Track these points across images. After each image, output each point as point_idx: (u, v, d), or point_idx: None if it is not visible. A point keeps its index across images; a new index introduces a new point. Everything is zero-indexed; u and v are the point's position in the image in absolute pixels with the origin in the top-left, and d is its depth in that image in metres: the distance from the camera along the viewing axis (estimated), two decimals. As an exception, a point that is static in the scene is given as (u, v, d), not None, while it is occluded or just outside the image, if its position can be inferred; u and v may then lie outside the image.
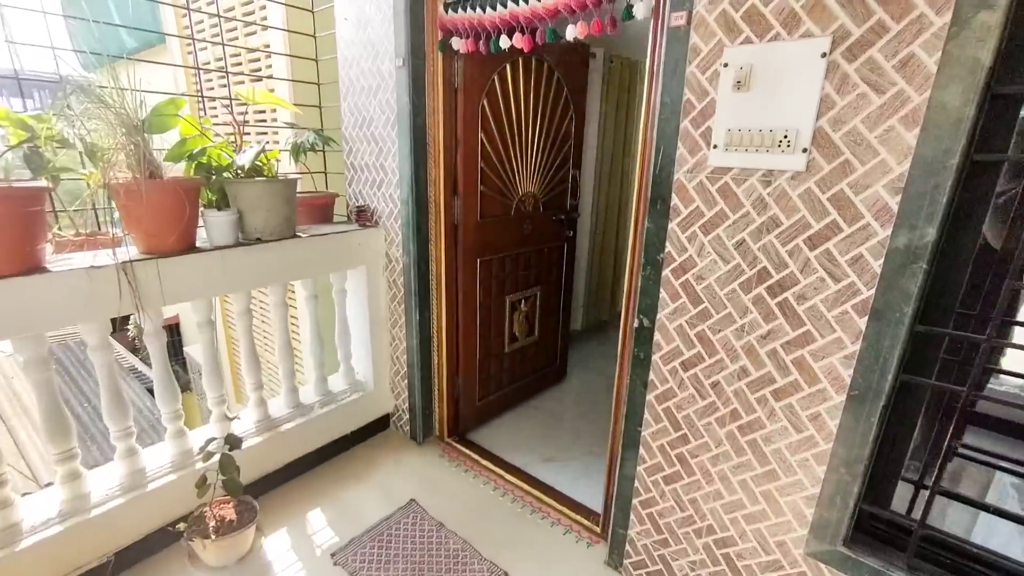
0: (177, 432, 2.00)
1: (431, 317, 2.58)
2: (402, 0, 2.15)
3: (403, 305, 2.57)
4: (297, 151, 2.43)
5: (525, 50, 1.91)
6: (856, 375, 1.26)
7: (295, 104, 2.43)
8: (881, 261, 1.18)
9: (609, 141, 4.00)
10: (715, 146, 1.39)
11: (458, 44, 2.14)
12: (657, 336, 1.65)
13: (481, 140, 2.47)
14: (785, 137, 1.27)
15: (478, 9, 2.00)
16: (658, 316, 1.63)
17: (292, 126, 2.64)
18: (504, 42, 1.94)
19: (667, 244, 1.55)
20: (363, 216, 2.53)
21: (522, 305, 2.97)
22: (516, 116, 2.61)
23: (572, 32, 1.74)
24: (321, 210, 2.59)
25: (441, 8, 2.15)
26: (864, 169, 1.17)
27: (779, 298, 1.36)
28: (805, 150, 1.25)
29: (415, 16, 2.19)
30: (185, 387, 8.59)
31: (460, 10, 2.07)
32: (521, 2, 1.84)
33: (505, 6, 1.90)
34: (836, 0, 1.15)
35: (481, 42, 2.05)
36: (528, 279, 2.96)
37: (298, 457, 2.41)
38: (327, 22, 2.62)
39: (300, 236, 2.21)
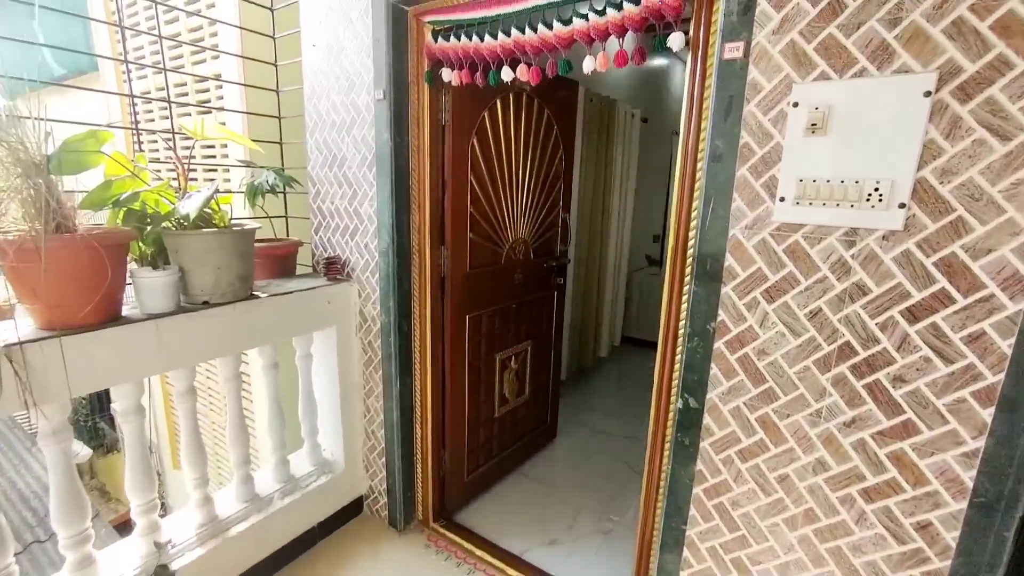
0: (81, 562, 1.52)
1: (413, 384, 2.22)
2: (383, 26, 1.88)
3: (380, 371, 2.20)
4: (254, 193, 2.07)
5: (532, 83, 1.66)
6: (981, 478, 1.02)
7: (251, 140, 2.08)
8: (1012, 340, 0.96)
9: (589, 182, 3.83)
10: (782, 199, 1.17)
11: (449, 76, 1.87)
12: (707, 419, 1.37)
13: (470, 182, 2.20)
14: (876, 190, 1.05)
15: (474, 37, 1.75)
16: (708, 396, 1.36)
17: (248, 165, 2.28)
18: (506, 74, 1.69)
19: (720, 312, 1.30)
20: (333, 269, 2.17)
21: (512, 362, 2.65)
22: (507, 156, 2.36)
23: (590, 65, 1.51)
24: (282, 261, 2.21)
25: (429, 36, 1.89)
26: (985, 229, 0.97)
27: (868, 379, 1.12)
28: (902, 205, 1.03)
29: (398, 44, 1.92)
30: (112, 447, 7.59)
31: (453, 38, 1.81)
32: (528, 30, 1.61)
33: (509, 34, 1.66)
34: (942, 31, 0.96)
35: (478, 74, 1.79)
36: (519, 333, 2.66)
37: (254, 564, 1.94)
38: (291, 49, 2.31)
39: (258, 295, 1.83)
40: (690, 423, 1.40)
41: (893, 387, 1.10)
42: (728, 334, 1.30)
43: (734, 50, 1.17)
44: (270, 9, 2.39)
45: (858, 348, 1.12)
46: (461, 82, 1.85)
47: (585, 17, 1.48)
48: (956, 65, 0.95)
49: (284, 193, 2.45)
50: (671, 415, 1.47)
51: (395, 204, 2.01)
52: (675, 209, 1.45)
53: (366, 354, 2.24)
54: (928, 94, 0.98)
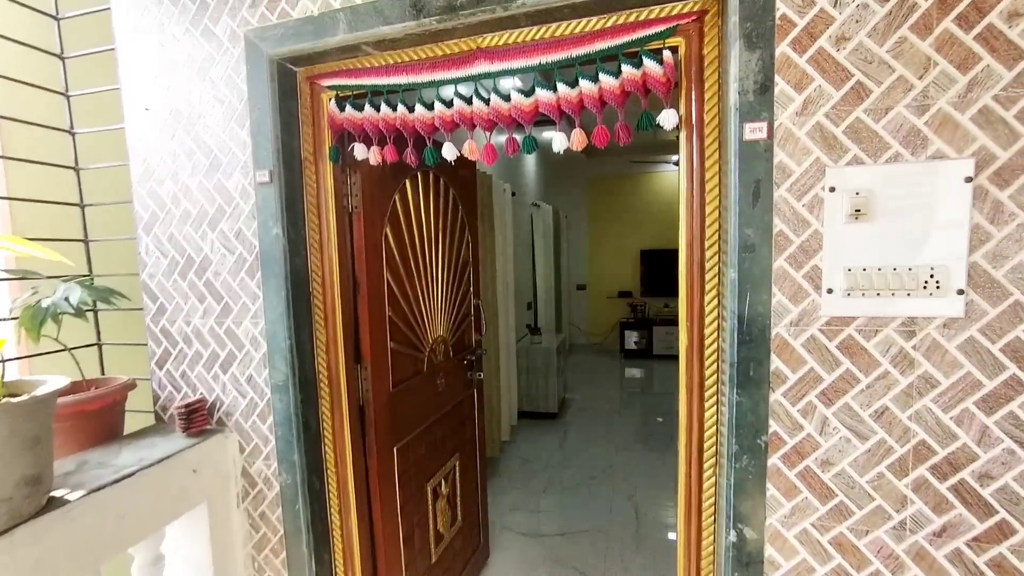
0: None
1: (334, 563, 1.58)
2: (266, 90, 1.42)
3: (284, 553, 1.53)
4: (39, 321, 1.34)
5: (487, 164, 1.36)
6: (1091, 576, 0.95)
7: (28, 239, 1.35)
8: (1094, 425, 0.93)
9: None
10: (829, 291, 1.04)
11: (363, 153, 1.47)
12: (769, 551, 1.13)
13: (387, 279, 1.76)
14: (932, 276, 0.98)
15: (400, 107, 1.40)
16: (768, 522, 1.13)
17: (24, 276, 1.49)
18: (450, 152, 1.37)
19: (771, 422, 1.10)
20: (197, 419, 1.48)
21: (443, 487, 2.14)
22: (420, 243, 1.98)
23: (561, 143, 1.28)
24: (101, 419, 1.45)
25: (333, 105, 1.48)
26: (1047, 313, 0.94)
27: (952, 480, 1.01)
28: (960, 292, 0.97)
29: (287, 113, 1.46)
30: None
31: (369, 107, 1.43)
32: (478, 100, 1.32)
33: (450, 104, 1.35)
34: (971, 119, 0.94)
35: (408, 151, 1.43)
36: (446, 449, 2.18)
37: None
38: (108, 112, 1.65)
39: (65, 498, 1.10)
40: (747, 559, 1.15)
41: (980, 485, 0.99)
42: (783, 447, 1.10)
43: (757, 131, 1.05)
44: (60, 57, 1.70)
45: (935, 446, 1.01)
46: (382, 160, 1.46)
47: (552, 88, 1.27)
48: (989, 152, 0.94)
49: (95, 311, 1.68)
50: (718, 554, 1.20)
51: (293, 319, 1.47)
52: (684, 306, 1.25)
53: (256, 533, 1.55)
54: (969, 179, 0.95)
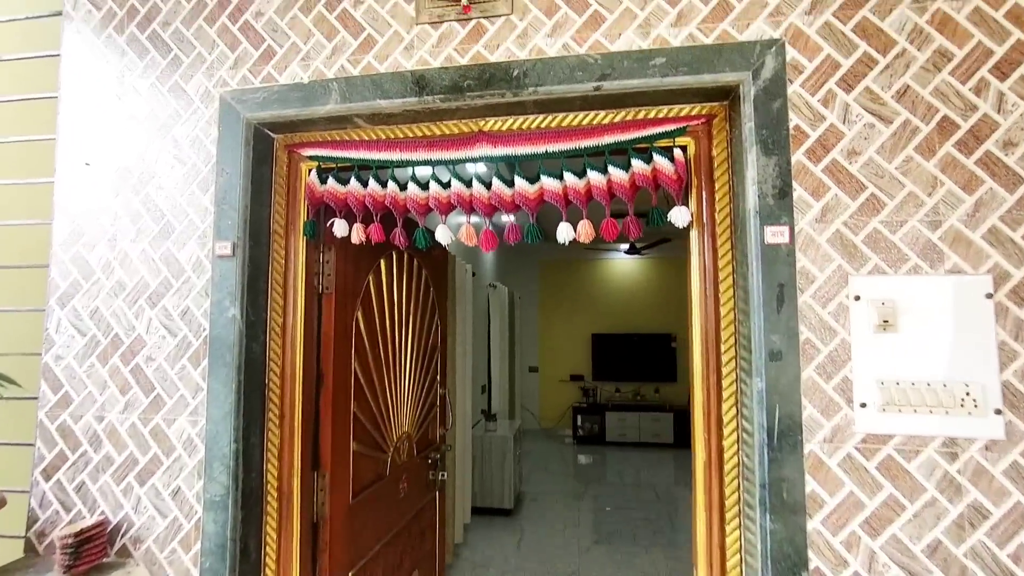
0: None
1: None
2: (238, 154, 1.27)
3: None
4: None
5: (485, 250, 1.26)
6: None
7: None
8: None
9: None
10: (863, 405, 0.97)
11: (343, 230, 1.33)
12: None
13: (354, 370, 1.54)
14: (967, 394, 0.93)
15: (391, 184, 1.29)
16: None
17: None
18: (444, 235, 1.25)
19: (810, 554, 0.97)
20: (90, 550, 1.14)
21: (397, 616, 1.79)
22: (391, 328, 1.79)
23: (567, 234, 1.20)
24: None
25: (314, 176, 1.34)
26: (1085, 436, 0.90)
27: (1010, 625, 0.90)
28: (998, 412, 0.92)
29: (260, 180, 1.31)
30: None
31: (355, 181, 1.31)
32: (478, 183, 1.23)
33: (447, 185, 1.26)
34: (983, 238, 0.95)
35: (398, 231, 1.30)
36: (404, 568, 1.85)
37: None
38: (30, 165, 1.42)
39: None
40: None
41: (1042, 632, 0.89)
42: (827, 586, 0.96)
43: (778, 235, 1.01)
44: (-3, 108, 1.48)
45: (989, 586, 0.91)
46: (365, 239, 1.32)
47: (558, 176, 1.21)
48: (1004, 270, 0.94)
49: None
50: None
51: (242, 417, 1.22)
52: (699, 417, 1.14)
53: None
54: (989, 296, 0.94)
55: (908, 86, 1.00)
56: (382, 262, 1.73)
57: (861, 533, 0.95)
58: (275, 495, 1.29)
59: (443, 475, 2.21)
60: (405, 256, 1.91)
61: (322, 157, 1.35)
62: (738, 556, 1.08)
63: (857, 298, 0.98)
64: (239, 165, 1.27)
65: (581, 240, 1.20)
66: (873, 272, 0.98)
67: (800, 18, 1.05)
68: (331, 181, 1.33)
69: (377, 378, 1.68)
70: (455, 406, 3.64)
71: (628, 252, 5.65)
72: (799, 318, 1.00)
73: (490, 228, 1.24)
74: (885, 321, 0.96)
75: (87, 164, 1.35)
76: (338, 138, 1.35)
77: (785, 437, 0.99)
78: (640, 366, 6.64)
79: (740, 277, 1.10)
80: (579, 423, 6.41)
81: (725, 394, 1.11)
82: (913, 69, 1.00)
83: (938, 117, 0.98)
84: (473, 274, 4.47)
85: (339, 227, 1.33)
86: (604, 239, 1.20)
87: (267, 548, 1.27)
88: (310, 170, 1.37)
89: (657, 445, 6.23)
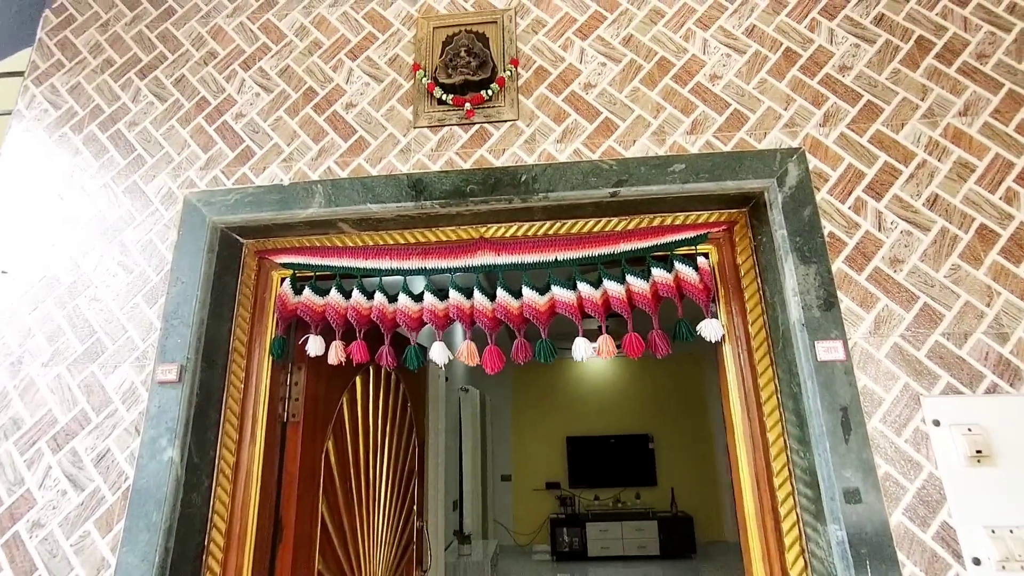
0: None
1: None
2: (200, 255, 1.08)
3: None
4: None
5: (490, 371, 1.06)
6: None
7: None
8: None
9: (407, 453, 3.02)
10: (976, 561, 0.78)
11: (320, 348, 1.11)
12: None
13: (321, 516, 1.23)
14: (1091, 542, 0.76)
15: (378, 295, 1.11)
16: None
17: None
18: (440, 354, 1.05)
19: None
20: None
21: None
22: (365, 457, 1.50)
23: (585, 350, 1.03)
24: None
25: (287, 287, 1.15)
26: None
27: None
28: None
29: (222, 289, 1.11)
30: None
31: (338, 293, 1.12)
32: (479, 294, 1.07)
33: (443, 296, 1.09)
34: (1055, 350, 0.85)
35: (385, 350, 1.09)
36: None
37: None
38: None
39: None
40: None
41: None
42: None
43: (832, 350, 0.88)
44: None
45: None
46: (346, 360, 1.10)
47: (571, 287, 1.06)
48: (1086, 387, 0.83)
49: None
50: None
51: (166, 604, 0.89)
52: (760, 572, 0.92)
53: None
54: (1081, 418, 0.81)
55: (937, 195, 0.95)
56: (358, 380, 1.49)
57: None
58: None
59: (419, 636, 1.78)
60: (382, 370, 1.68)
61: (298, 265, 1.17)
62: None
63: (936, 423, 0.83)
64: (199, 273, 1.07)
65: (601, 356, 1.03)
66: (947, 392, 0.85)
67: (815, 129, 1.01)
68: (307, 292, 1.14)
69: (348, 523, 1.36)
70: (429, 527, 3.16)
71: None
72: (872, 448, 0.84)
73: (495, 345, 1.06)
74: (978, 451, 0.81)
75: (4, 272, 1.11)
76: (319, 244, 1.18)
77: (885, 608, 0.77)
78: (618, 470, 6.23)
79: (788, 399, 0.94)
80: (559, 537, 5.79)
81: (787, 540, 0.90)
82: (938, 179, 0.96)
83: (976, 225, 0.92)
84: (446, 379, 4.19)
85: (314, 345, 1.11)
86: (627, 355, 1.03)
87: None
88: (283, 279, 1.18)
89: (644, 558, 5.65)
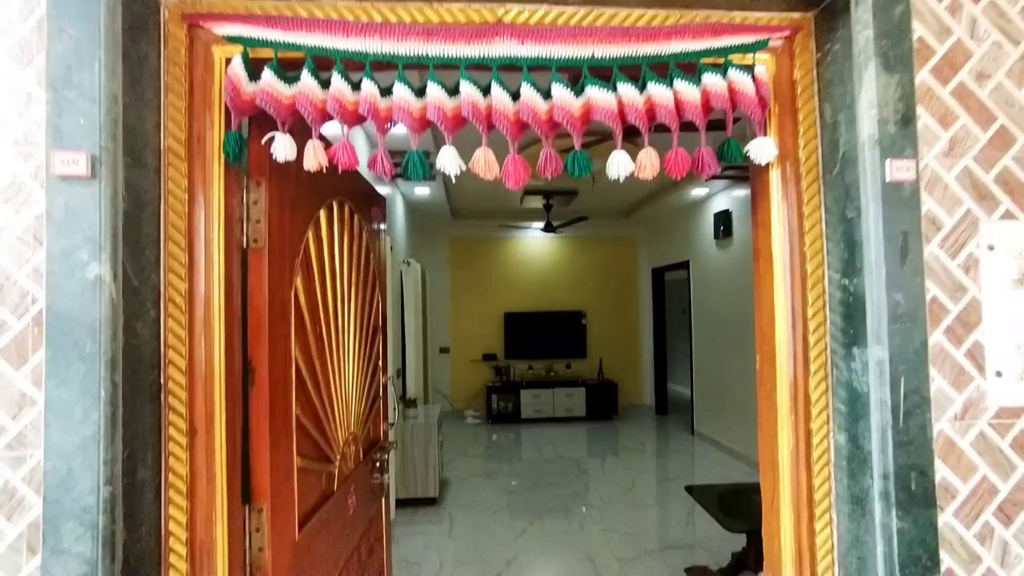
0: None
1: None
2: (96, 21, 0.73)
3: None
4: None
5: (514, 186, 0.87)
6: None
7: None
8: None
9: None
10: (998, 374, 0.79)
11: (290, 150, 0.85)
12: None
13: (295, 359, 1.06)
14: (1098, 357, 0.80)
15: (366, 86, 0.84)
16: None
17: None
18: (450, 160, 0.84)
19: (941, 553, 0.78)
20: None
21: (348, 669, 1.36)
22: (333, 303, 1.32)
23: (622, 166, 0.87)
24: None
25: (238, 67, 0.84)
26: None
27: None
28: (1122, 374, 0.80)
29: (137, 60, 0.78)
30: None
31: (311, 79, 0.83)
32: (498, 88, 0.84)
33: (454, 90, 0.85)
34: (1106, 179, 0.82)
35: (380, 155, 0.85)
36: (353, 604, 1.42)
37: None
38: None
39: None
40: None
41: None
42: (958, 589, 0.78)
43: (904, 170, 0.79)
44: None
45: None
46: (327, 164, 0.86)
47: (611, 88, 0.87)
48: (1123, 216, 0.82)
49: None
50: None
51: (120, 443, 0.72)
52: (785, 396, 0.90)
53: None
54: (1114, 245, 0.81)
55: (1035, 0, 0.83)
56: (322, 214, 1.25)
57: (995, 523, 0.79)
58: (184, 554, 0.80)
59: (388, 478, 1.78)
60: (347, 209, 1.43)
61: (252, 40, 0.85)
62: (830, 558, 0.87)
63: (991, 248, 0.80)
64: (96, 25, 0.73)
65: (641, 175, 0.88)
66: (1006, 218, 0.81)
67: (921, -96, 0.82)
68: (269, 76, 0.84)
69: (320, 368, 1.21)
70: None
71: (544, 230, 5.48)
72: (926, 272, 0.79)
73: (518, 155, 0.86)
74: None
75: None
76: (276, 12, 0.86)
77: (912, 416, 0.78)
78: (552, 343, 6.58)
79: (837, 225, 0.86)
80: (494, 402, 6.18)
81: (813, 367, 0.89)
82: (1039, -18, 0.83)
83: (1065, 40, 0.82)
84: (391, 248, 3.95)
85: (282, 146, 0.85)
86: (670, 175, 0.89)
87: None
88: (229, 59, 0.86)
89: (571, 419, 6.25)
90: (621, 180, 0.88)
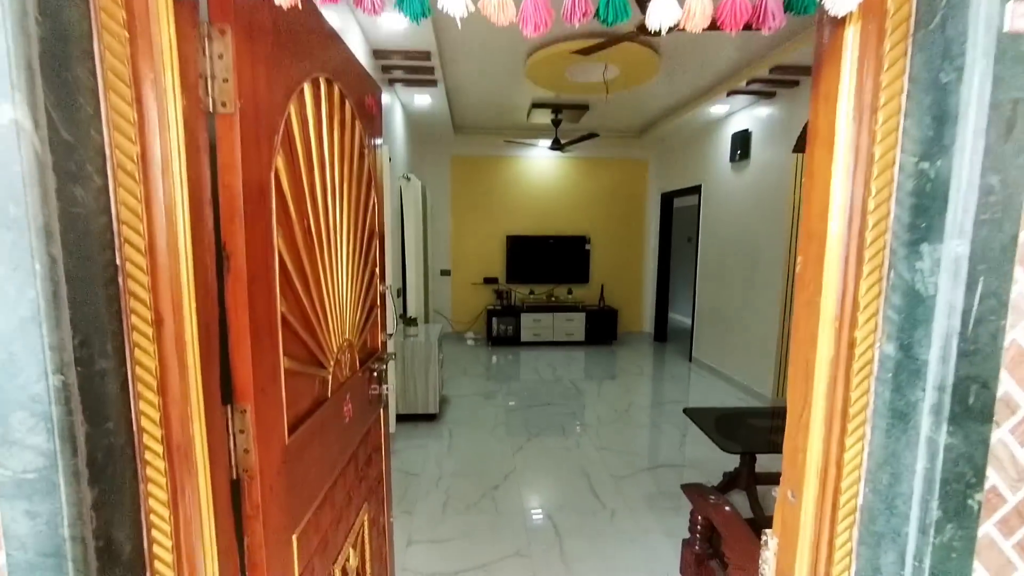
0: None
1: None
2: None
3: None
4: None
5: (528, 33, 0.70)
6: None
7: None
8: None
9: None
10: (1092, 275, 0.68)
11: (252, -22, 0.67)
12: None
13: (277, 248, 0.95)
14: None
15: None
16: (966, 616, 0.74)
17: None
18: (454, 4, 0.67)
19: (988, 470, 0.71)
20: None
21: (351, 559, 1.39)
22: (324, 193, 1.18)
23: (666, 12, 0.70)
24: None
25: None
26: None
27: None
28: None
29: None
30: None
31: None
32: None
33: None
34: None
35: (366, -15, 0.68)
36: (354, 505, 1.42)
37: None
38: None
39: None
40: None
41: None
42: (1001, 508, 0.72)
43: (1028, 16, 0.62)
44: None
45: None
46: (307, 22, 0.69)
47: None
48: None
49: None
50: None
51: (70, 326, 0.62)
52: (831, 300, 0.80)
53: None
54: None
55: None
56: (306, 89, 1.07)
57: (1051, 441, 0.71)
58: (160, 452, 0.73)
59: (387, 388, 1.75)
60: (336, 91, 1.25)
61: None
62: (857, 474, 0.81)
63: (1111, 123, 0.65)
64: None
65: (689, 26, 0.71)
66: None
67: None
68: None
69: (310, 265, 1.10)
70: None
71: (552, 147, 5.18)
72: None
73: (538, -6, 0.68)
74: None
75: None
76: None
77: (984, 323, 0.68)
78: (554, 268, 6.50)
79: (923, 95, 0.71)
80: (494, 325, 6.22)
81: (866, 269, 0.77)
82: None
83: None
84: (389, 159, 3.73)
85: (242, -31, 0.67)
86: (721, 28, 0.72)
87: (153, 533, 0.74)
88: None
89: (570, 344, 6.32)
90: (663, 32, 0.71)
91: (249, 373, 0.83)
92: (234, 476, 0.84)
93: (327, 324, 1.20)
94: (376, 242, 1.65)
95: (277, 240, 0.94)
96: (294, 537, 0.99)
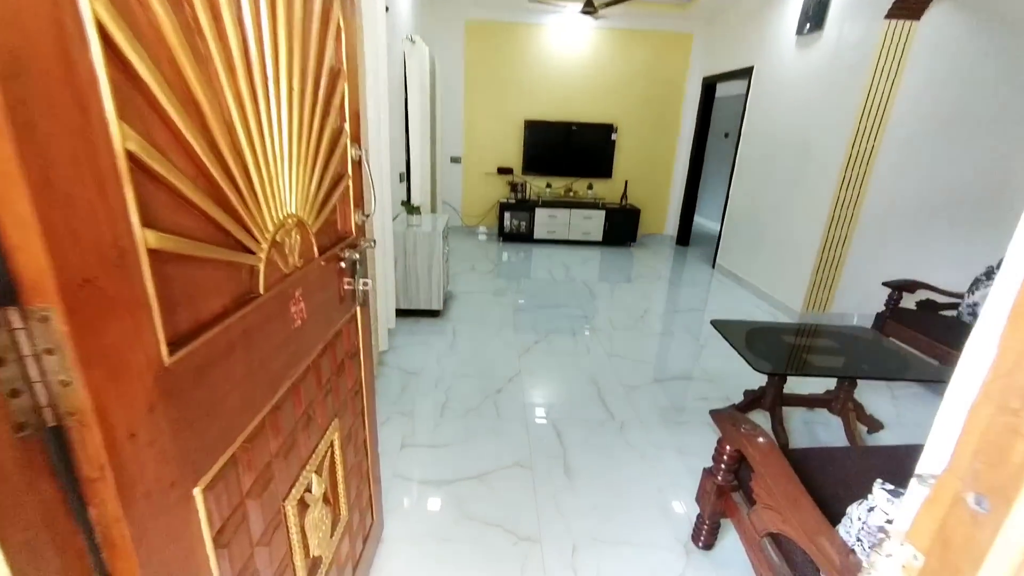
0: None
1: None
2: None
3: None
4: None
5: None
6: None
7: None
8: None
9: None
10: None
11: None
12: None
13: (102, 29, 0.52)
14: None
15: None
16: None
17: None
18: None
19: None
20: None
21: (315, 486, 1.15)
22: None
23: None
24: None
25: None
26: None
27: None
28: None
29: None
30: None
31: None
32: None
33: None
34: None
35: None
36: (317, 424, 1.15)
37: None
38: None
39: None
40: None
41: None
42: None
43: None
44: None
45: None
46: None
47: None
48: None
49: None
50: None
51: None
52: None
53: None
54: None
55: None
56: None
57: None
58: None
59: (365, 283, 1.40)
60: None
61: None
62: None
63: None
64: None
65: None
66: None
67: None
68: None
69: (204, 90, 0.67)
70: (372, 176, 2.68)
71: (584, 10, 4.31)
72: None
73: None
74: None
75: None
76: None
77: None
78: (575, 160, 5.87)
79: None
80: (506, 220, 5.79)
81: None
82: None
83: None
84: (387, 8, 3.04)
85: None
86: None
87: None
88: None
89: (586, 243, 5.92)
90: None
91: (40, 244, 0.46)
92: (51, 422, 0.51)
93: (252, 188, 0.80)
94: (341, 86, 1.19)
95: (94, 8, 0.50)
96: (197, 491, 0.69)
